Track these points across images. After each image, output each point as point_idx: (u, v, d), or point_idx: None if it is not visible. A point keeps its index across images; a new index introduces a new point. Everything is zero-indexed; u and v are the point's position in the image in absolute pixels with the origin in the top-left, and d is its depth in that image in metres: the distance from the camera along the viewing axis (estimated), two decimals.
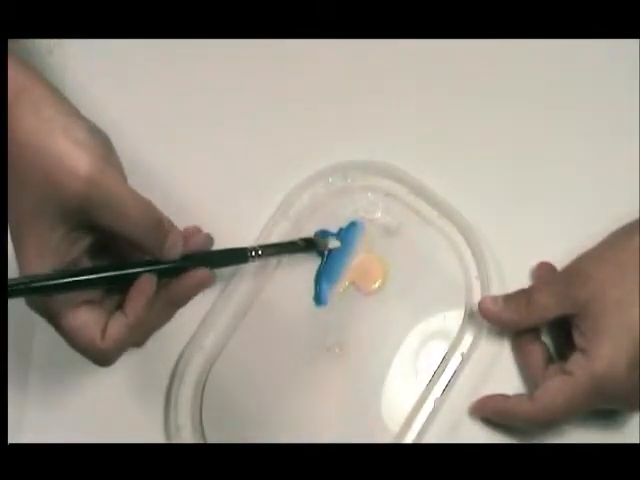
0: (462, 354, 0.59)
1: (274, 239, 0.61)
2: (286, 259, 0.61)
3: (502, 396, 0.58)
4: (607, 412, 0.57)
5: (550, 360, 0.58)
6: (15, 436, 0.56)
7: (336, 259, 0.61)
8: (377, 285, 0.61)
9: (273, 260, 0.61)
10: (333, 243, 0.61)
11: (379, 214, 0.62)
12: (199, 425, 0.58)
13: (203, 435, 0.58)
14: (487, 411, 0.58)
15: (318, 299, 0.60)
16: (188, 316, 0.59)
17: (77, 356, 0.57)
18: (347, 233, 0.61)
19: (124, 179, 0.49)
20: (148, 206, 0.49)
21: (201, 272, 0.52)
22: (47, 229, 0.47)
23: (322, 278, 0.61)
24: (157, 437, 0.59)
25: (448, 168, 0.62)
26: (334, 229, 0.62)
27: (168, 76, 0.66)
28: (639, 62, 0.64)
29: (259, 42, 0.63)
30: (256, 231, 0.62)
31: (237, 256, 0.56)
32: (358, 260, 0.61)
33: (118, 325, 0.50)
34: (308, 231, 0.61)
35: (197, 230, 0.55)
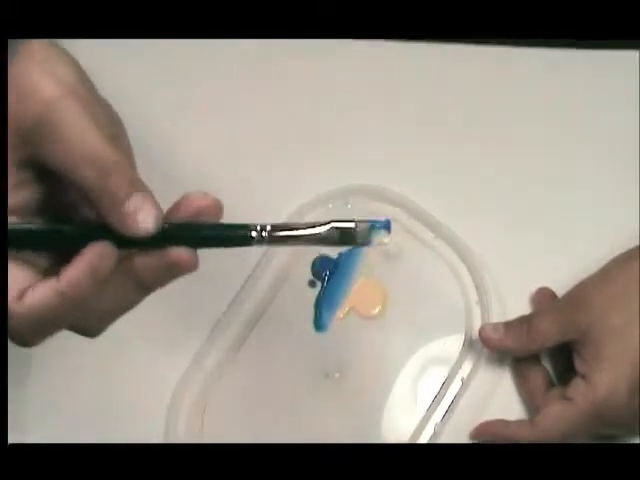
0: (462, 379, 0.59)
1: (273, 266, 0.61)
2: (285, 285, 0.61)
3: (502, 422, 0.58)
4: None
5: (550, 384, 0.58)
6: (15, 436, 0.56)
7: (336, 284, 0.61)
8: (377, 310, 0.61)
9: (273, 284, 0.61)
10: (379, 235, 0.45)
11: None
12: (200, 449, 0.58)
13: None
14: (487, 437, 0.58)
15: (318, 325, 0.60)
16: (190, 336, 0.60)
17: (77, 357, 0.57)
18: (347, 258, 0.62)
19: (98, 125, 0.41)
20: (103, 148, 0.40)
21: (177, 252, 0.41)
22: (10, 147, 0.41)
23: (322, 304, 0.61)
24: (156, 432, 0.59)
25: (448, 193, 0.63)
26: (334, 255, 0.62)
27: (168, 78, 0.66)
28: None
29: (254, 54, 0.64)
30: (254, 257, 0.61)
31: (236, 235, 0.43)
32: (358, 285, 0.61)
33: (43, 289, 0.40)
34: (307, 258, 0.62)
35: (201, 196, 0.43)
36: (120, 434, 0.59)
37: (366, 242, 0.45)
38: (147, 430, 0.59)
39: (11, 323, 0.40)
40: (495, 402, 0.59)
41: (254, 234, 0.42)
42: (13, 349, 0.53)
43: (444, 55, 0.64)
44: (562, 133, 0.64)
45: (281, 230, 0.43)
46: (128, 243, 0.40)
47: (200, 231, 0.42)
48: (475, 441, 0.58)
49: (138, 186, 0.40)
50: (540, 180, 0.63)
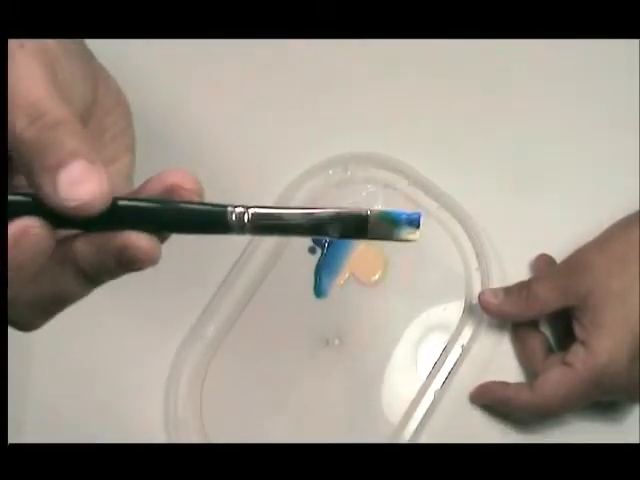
0: (462, 346, 0.59)
1: None
2: (285, 252, 0.61)
3: (502, 384, 0.58)
4: (607, 407, 0.58)
5: (549, 350, 0.58)
6: (15, 436, 0.56)
7: (336, 251, 0.61)
8: (377, 277, 0.61)
9: (272, 251, 0.61)
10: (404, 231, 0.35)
11: (379, 206, 0.62)
12: (199, 417, 0.59)
13: (203, 427, 0.58)
14: (486, 398, 0.58)
15: (318, 291, 0.60)
16: (188, 306, 0.60)
17: (78, 357, 0.57)
18: None
19: (62, 86, 0.35)
20: (50, 102, 0.33)
21: (127, 238, 0.33)
22: None
23: (322, 270, 0.61)
24: (157, 431, 0.59)
25: (448, 160, 0.62)
26: None
27: (167, 74, 0.65)
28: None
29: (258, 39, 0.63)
30: None
31: (209, 220, 0.35)
32: (358, 252, 0.61)
33: None
34: None
35: (174, 172, 0.35)
36: (120, 413, 0.59)
37: (384, 236, 0.35)
38: (146, 407, 0.60)
39: None
40: (495, 368, 0.59)
41: (232, 219, 0.34)
42: (13, 349, 0.53)
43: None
44: (562, 99, 0.64)
45: (268, 217, 0.35)
46: (68, 223, 0.33)
47: (160, 211, 0.34)
48: (475, 403, 0.59)
49: (83, 152, 0.32)
50: (540, 147, 0.63)
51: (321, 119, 0.64)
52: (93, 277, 0.34)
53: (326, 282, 0.60)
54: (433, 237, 0.61)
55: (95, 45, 0.58)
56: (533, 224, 0.61)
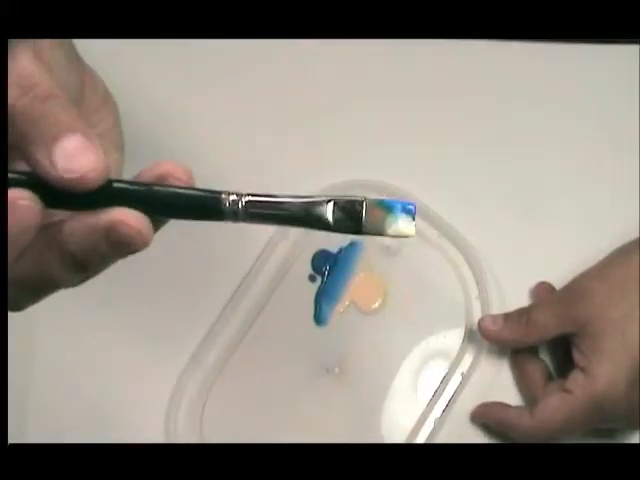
0: (462, 374, 0.59)
1: (274, 260, 0.61)
2: (285, 280, 0.61)
3: (503, 405, 0.58)
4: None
5: (549, 378, 0.58)
6: (15, 436, 0.56)
7: (336, 278, 0.61)
8: (377, 305, 0.61)
9: (272, 279, 0.61)
10: (399, 222, 0.34)
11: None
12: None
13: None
14: (486, 418, 0.58)
15: (318, 319, 0.60)
16: (189, 332, 0.60)
17: (78, 356, 0.57)
18: (347, 253, 0.62)
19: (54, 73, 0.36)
20: (42, 75, 0.34)
21: (118, 213, 0.33)
22: None
23: (322, 298, 0.61)
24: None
25: (449, 188, 0.63)
26: (334, 249, 0.62)
27: (168, 78, 0.66)
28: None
29: (258, 50, 0.63)
30: (254, 250, 0.61)
31: (203, 205, 0.35)
32: (358, 280, 0.61)
33: None
34: (308, 252, 0.62)
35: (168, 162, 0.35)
36: (120, 434, 0.59)
37: (379, 229, 0.34)
38: (147, 429, 0.60)
39: None
40: (495, 396, 0.59)
41: (226, 203, 0.34)
42: (14, 349, 0.54)
43: (445, 52, 0.64)
44: (561, 128, 0.64)
45: (262, 205, 0.34)
46: (61, 201, 0.32)
47: (155, 193, 0.33)
48: (475, 421, 0.59)
49: (78, 127, 0.32)
50: (540, 175, 0.63)
51: (321, 146, 0.64)
52: (82, 261, 0.34)
53: (326, 310, 0.61)
54: (433, 265, 0.61)
55: (87, 45, 0.59)
56: (533, 252, 0.61)
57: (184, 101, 0.65)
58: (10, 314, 0.44)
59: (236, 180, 0.61)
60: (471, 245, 0.60)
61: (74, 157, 0.31)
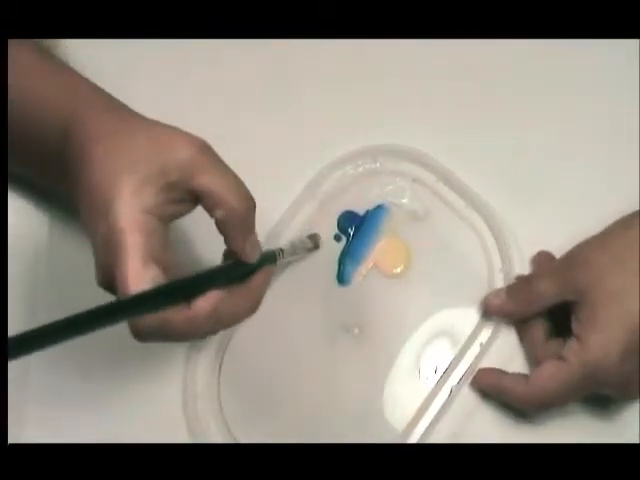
0: (481, 344, 0.59)
1: (300, 217, 0.61)
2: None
3: (499, 372, 0.58)
4: (608, 407, 0.58)
5: (550, 336, 0.58)
6: (15, 436, 0.55)
7: (361, 240, 0.61)
8: (400, 270, 0.61)
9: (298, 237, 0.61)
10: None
11: (406, 199, 0.62)
12: (217, 398, 0.58)
13: (221, 408, 0.58)
14: (483, 383, 0.58)
15: (341, 278, 0.60)
16: None
17: (78, 356, 0.56)
18: (373, 216, 0.61)
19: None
20: (245, 188, 0.48)
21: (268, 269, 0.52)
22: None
23: (346, 258, 0.60)
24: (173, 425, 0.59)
25: (478, 158, 0.62)
26: (360, 211, 0.62)
27: (172, 71, 0.65)
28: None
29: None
30: (277, 212, 0.61)
31: (269, 258, 0.54)
32: (382, 243, 0.61)
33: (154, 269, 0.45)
34: (335, 211, 0.61)
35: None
36: (120, 433, 0.58)
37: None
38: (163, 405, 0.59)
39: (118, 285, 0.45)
40: (514, 368, 0.58)
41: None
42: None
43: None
44: (576, 105, 0.64)
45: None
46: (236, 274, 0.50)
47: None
48: (473, 387, 0.58)
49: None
50: (571, 149, 0.63)
51: (354, 110, 0.64)
52: (224, 323, 0.50)
53: (349, 270, 0.60)
54: (459, 234, 0.61)
55: (88, 46, 0.59)
56: (559, 226, 0.61)
57: (184, 101, 0.64)
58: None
59: (267, 143, 0.62)
60: (497, 216, 0.61)
61: (254, 246, 0.50)
